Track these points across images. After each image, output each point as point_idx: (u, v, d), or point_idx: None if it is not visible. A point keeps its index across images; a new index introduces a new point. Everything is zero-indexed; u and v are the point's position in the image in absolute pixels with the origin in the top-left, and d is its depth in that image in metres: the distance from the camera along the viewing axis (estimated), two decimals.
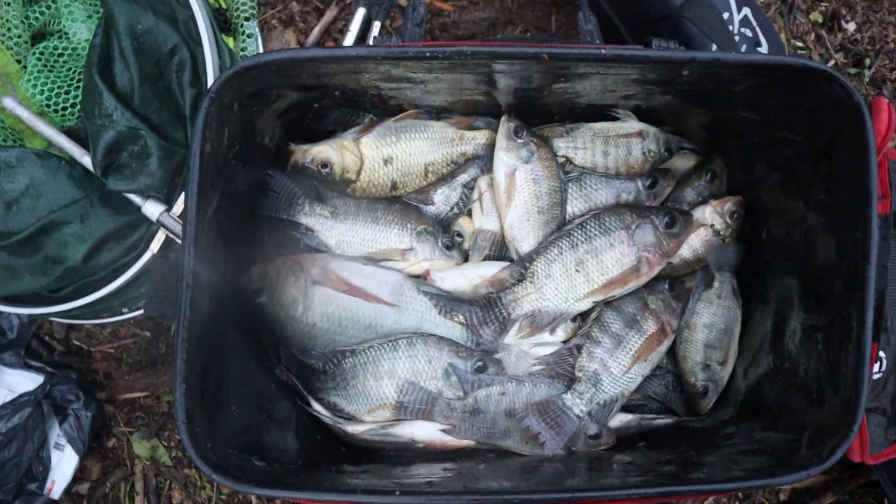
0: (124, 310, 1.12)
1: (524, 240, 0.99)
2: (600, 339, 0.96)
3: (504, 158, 0.98)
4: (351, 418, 0.92)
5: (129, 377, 1.28)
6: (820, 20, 1.48)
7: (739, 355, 1.02)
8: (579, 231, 0.97)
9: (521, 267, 0.96)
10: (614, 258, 0.95)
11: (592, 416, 0.92)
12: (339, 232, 0.97)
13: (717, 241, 1.02)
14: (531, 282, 0.96)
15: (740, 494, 1.31)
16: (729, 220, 1.01)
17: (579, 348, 0.95)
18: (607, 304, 0.98)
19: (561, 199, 1.00)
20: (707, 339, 1.01)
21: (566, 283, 0.95)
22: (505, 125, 0.97)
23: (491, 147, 1.00)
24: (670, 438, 0.96)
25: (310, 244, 0.97)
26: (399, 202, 1.01)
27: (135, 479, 1.29)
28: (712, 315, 1.01)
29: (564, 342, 0.97)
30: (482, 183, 1.01)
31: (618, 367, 0.94)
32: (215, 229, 0.81)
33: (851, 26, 1.49)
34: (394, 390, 0.90)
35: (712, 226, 1.01)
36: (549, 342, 0.97)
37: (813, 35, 1.48)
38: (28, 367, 1.21)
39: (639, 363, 0.95)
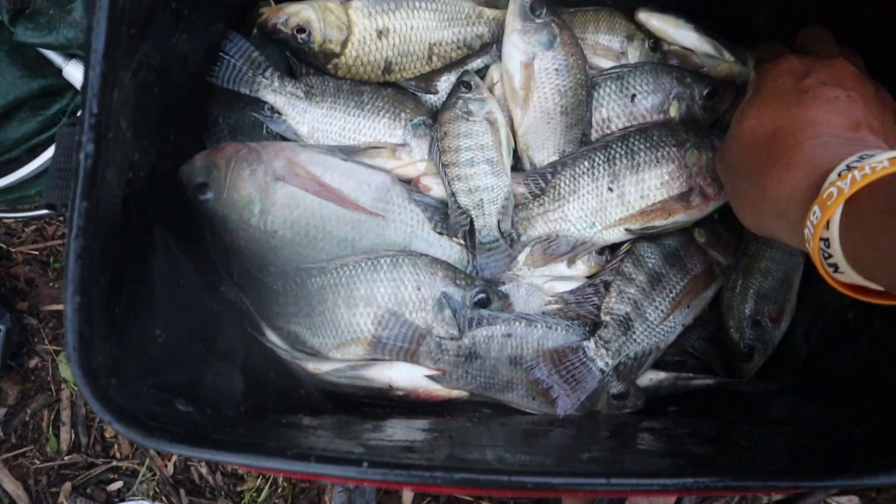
0: None
1: (541, 148, 0.78)
2: (634, 275, 0.76)
3: (519, 44, 0.76)
4: (315, 354, 0.73)
5: (56, 285, 1.07)
6: None
7: (799, 311, 0.83)
8: (619, 143, 0.77)
9: (542, 178, 0.76)
10: (659, 178, 0.76)
11: (619, 372, 0.73)
12: (313, 117, 0.76)
13: None
14: (550, 197, 0.76)
15: None
16: None
17: (607, 286, 0.76)
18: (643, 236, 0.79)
19: (586, 98, 0.79)
20: (760, 288, 0.81)
21: (594, 204, 0.76)
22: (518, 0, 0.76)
23: None
24: (709, 405, 0.78)
25: (275, 129, 0.77)
26: (392, 86, 0.80)
27: (60, 406, 1.10)
28: (769, 260, 0.82)
29: (588, 278, 0.78)
30: (495, 73, 0.80)
31: (655, 313, 0.75)
32: (138, 97, 0.59)
33: None
34: (370, 321, 0.71)
35: None
36: (568, 276, 0.78)
37: None
38: None
39: (680, 309, 0.76)
